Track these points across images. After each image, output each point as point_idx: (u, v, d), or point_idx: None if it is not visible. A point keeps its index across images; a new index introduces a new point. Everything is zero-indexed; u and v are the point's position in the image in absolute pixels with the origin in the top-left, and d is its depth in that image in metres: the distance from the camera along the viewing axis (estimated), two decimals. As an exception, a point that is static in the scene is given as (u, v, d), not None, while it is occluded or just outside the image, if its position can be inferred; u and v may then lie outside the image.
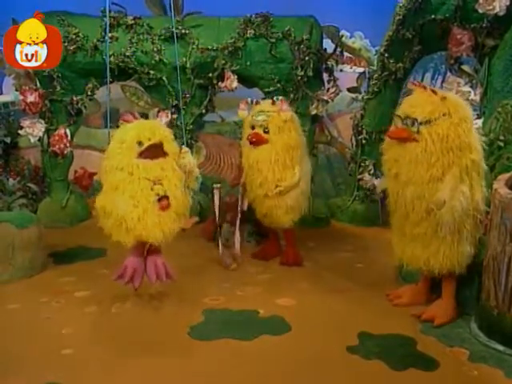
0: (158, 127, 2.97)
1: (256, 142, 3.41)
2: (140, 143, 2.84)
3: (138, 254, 2.98)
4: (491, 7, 3.50)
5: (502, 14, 3.51)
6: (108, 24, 4.22)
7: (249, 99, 3.62)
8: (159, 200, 2.82)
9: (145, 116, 3.84)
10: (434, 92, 2.59)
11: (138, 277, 2.97)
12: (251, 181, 3.53)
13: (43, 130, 4.42)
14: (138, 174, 2.80)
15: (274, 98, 3.51)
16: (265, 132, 3.41)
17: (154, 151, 2.86)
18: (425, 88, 2.62)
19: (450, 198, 2.49)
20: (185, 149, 3.10)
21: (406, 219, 2.69)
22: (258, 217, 3.64)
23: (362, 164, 4.47)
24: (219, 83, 4.41)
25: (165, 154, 2.90)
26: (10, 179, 4.40)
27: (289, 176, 3.42)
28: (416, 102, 2.61)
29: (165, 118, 4.41)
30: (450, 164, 2.53)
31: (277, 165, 3.40)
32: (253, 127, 3.45)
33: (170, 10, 4.33)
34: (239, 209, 3.70)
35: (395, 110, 2.79)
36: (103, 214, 2.89)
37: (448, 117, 2.53)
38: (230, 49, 4.34)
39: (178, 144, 3.13)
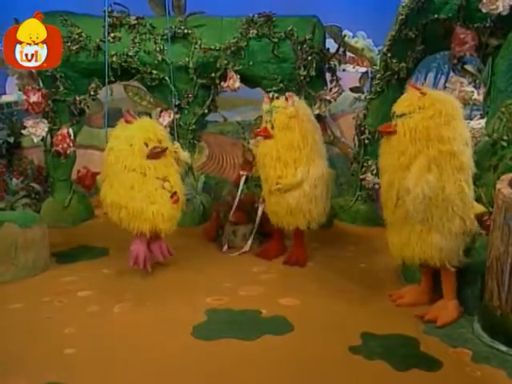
0: (157, 127, 3.35)
1: (261, 135, 3.47)
2: (146, 144, 3.20)
3: (144, 241, 3.34)
4: (494, 7, 3.49)
5: (505, 13, 3.50)
6: (107, 24, 4.23)
7: (271, 94, 3.65)
8: (172, 196, 3.26)
9: (148, 115, 3.86)
10: (417, 89, 2.74)
11: (147, 261, 3.37)
12: (261, 175, 3.59)
13: (46, 129, 4.43)
14: (150, 175, 3.19)
15: (286, 94, 3.50)
16: (272, 128, 3.43)
17: (160, 153, 3.23)
18: (415, 87, 2.79)
19: (413, 185, 2.59)
20: (176, 144, 3.48)
21: (386, 207, 2.84)
22: (268, 214, 3.64)
23: (365, 164, 4.46)
24: (222, 83, 4.41)
25: (164, 153, 3.26)
26: (13, 179, 4.41)
27: (290, 175, 3.40)
28: (400, 99, 2.82)
29: (167, 117, 4.44)
30: (416, 154, 2.65)
31: (278, 162, 3.40)
32: (266, 122, 3.49)
33: (169, 11, 4.34)
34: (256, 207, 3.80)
35: None
36: (115, 207, 3.20)
37: (422, 110, 2.67)
38: (233, 49, 4.34)
39: (182, 143, 3.40)
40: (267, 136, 3.44)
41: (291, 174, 3.40)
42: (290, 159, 3.40)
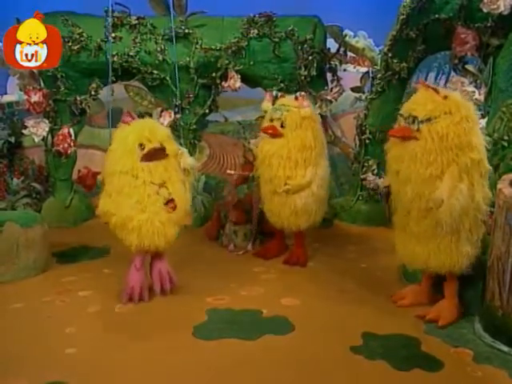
0: (157, 128, 2.99)
1: (271, 134, 3.37)
2: (141, 145, 2.86)
3: (141, 267, 3.02)
4: (495, 6, 3.49)
5: (506, 13, 3.50)
6: (110, 23, 4.23)
7: (274, 92, 3.60)
8: (166, 203, 2.88)
9: (148, 115, 3.85)
10: (436, 91, 2.59)
11: (145, 291, 3.05)
12: (261, 175, 3.50)
13: (47, 129, 4.43)
14: (142, 178, 2.83)
15: (297, 94, 3.44)
16: (282, 126, 3.36)
17: (156, 154, 2.87)
18: (428, 87, 2.62)
19: (448, 196, 2.49)
20: (181, 149, 3.10)
21: (407, 217, 2.69)
22: (266, 214, 3.59)
23: (366, 164, 4.46)
24: (222, 83, 4.41)
25: (166, 155, 2.91)
26: (14, 179, 4.41)
27: (299, 175, 3.35)
28: (418, 101, 2.62)
29: (168, 117, 4.43)
30: (448, 162, 2.53)
31: (288, 162, 3.33)
32: (272, 120, 3.41)
33: (170, 10, 4.34)
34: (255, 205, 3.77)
35: (399, 110, 2.79)
36: (108, 215, 2.92)
37: (449, 115, 2.53)
38: (234, 48, 4.34)
39: (181, 144, 3.18)
40: (276, 135, 3.36)
41: (301, 174, 3.35)
42: (301, 159, 3.34)
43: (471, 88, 3.72)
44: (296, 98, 3.41)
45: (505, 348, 2.51)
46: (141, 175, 2.83)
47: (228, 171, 4.22)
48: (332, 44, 4.58)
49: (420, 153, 2.55)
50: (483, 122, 3.56)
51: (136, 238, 2.86)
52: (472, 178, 2.57)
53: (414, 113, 2.58)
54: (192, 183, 3.13)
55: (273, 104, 3.49)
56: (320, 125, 3.54)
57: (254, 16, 4.36)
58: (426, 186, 2.55)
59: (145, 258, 3.05)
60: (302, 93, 3.47)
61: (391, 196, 2.81)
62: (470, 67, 3.83)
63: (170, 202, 2.88)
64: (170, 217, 2.89)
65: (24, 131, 4.48)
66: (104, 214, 2.93)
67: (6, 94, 5.33)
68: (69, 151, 4.45)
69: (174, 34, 4.30)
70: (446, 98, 2.56)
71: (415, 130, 2.56)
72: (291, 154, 3.33)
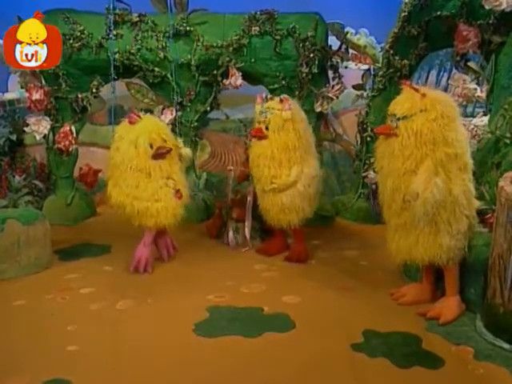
0: (160, 127, 3.42)
1: (256, 136, 3.49)
2: (150, 145, 3.28)
3: (149, 242, 3.46)
4: (498, 3, 3.47)
5: (508, 10, 3.49)
6: (112, 21, 4.23)
7: (264, 94, 3.66)
8: (176, 193, 3.38)
9: (150, 112, 3.88)
10: (416, 90, 2.68)
11: (150, 264, 3.45)
12: (254, 175, 3.62)
13: (48, 127, 4.44)
14: (154, 174, 3.29)
15: (281, 96, 3.50)
16: (266, 129, 3.45)
17: (164, 153, 3.32)
18: (411, 87, 2.72)
19: (422, 189, 2.57)
20: (178, 140, 3.56)
21: (389, 211, 2.81)
22: (261, 212, 3.66)
23: (367, 161, 4.45)
24: (224, 80, 4.41)
25: (170, 150, 3.34)
26: (16, 176, 4.41)
27: (284, 174, 3.44)
28: (399, 100, 2.75)
29: (169, 115, 4.44)
30: (422, 157, 2.62)
31: (272, 162, 3.44)
32: (259, 123, 3.51)
33: (171, 8, 4.34)
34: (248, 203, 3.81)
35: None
36: (121, 206, 3.32)
37: (424, 113, 2.63)
38: (235, 46, 4.33)
39: (184, 141, 3.58)
40: (261, 137, 3.47)
41: (285, 173, 3.45)
42: (285, 159, 3.44)
43: (473, 85, 3.71)
44: (280, 101, 3.46)
45: (506, 346, 2.51)
46: (153, 173, 3.29)
47: (228, 167, 4.26)
48: (334, 41, 4.57)
49: (397, 149, 2.68)
50: (485, 119, 3.56)
51: (154, 222, 3.34)
52: (449, 172, 2.64)
53: (395, 111, 2.72)
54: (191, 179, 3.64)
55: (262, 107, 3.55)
56: (306, 125, 3.57)
57: (256, 13, 4.35)
58: (402, 179, 2.67)
59: (153, 237, 3.47)
60: (286, 95, 3.52)
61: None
62: (472, 64, 3.83)
63: (177, 191, 3.38)
64: (178, 202, 3.42)
65: (25, 129, 4.48)
66: (117, 204, 3.32)
67: (7, 91, 5.33)
68: (70, 149, 4.45)
69: (172, 31, 4.29)
70: (424, 96, 2.65)
71: (394, 127, 2.69)
72: (275, 154, 3.43)
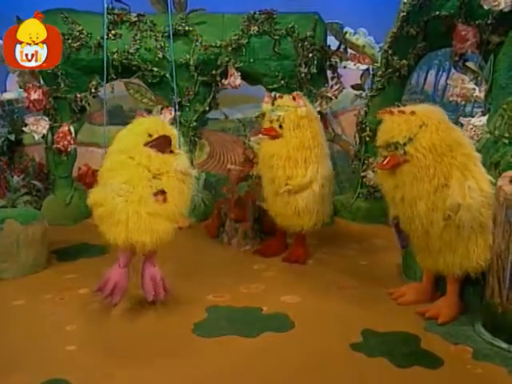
0: (167, 126, 2.96)
1: (270, 135, 3.37)
2: (150, 135, 2.77)
3: (124, 263, 2.78)
4: (496, 3, 3.48)
5: (507, 10, 3.49)
6: (106, 22, 4.22)
7: (272, 93, 3.59)
8: (155, 194, 2.66)
9: (149, 112, 3.86)
10: (402, 112, 2.64)
11: (118, 291, 2.76)
12: (263, 176, 3.50)
13: (47, 127, 4.43)
14: (139, 160, 2.67)
15: (294, 93, 3.43)
16: (280, 127, 3.36)
17: (162, 144, 2.77)
18: (392, 112, 2.67)
19: (462, 198, 2.52)
20: (179, 152, 2.93)
21: (427, 236, 2.69)
22: (271, 215, 3.57)
23: (366, 161, 4.46)
24: (223, 80, 4.41)
25: (169, 149, 2.82)
26: (15, 176, 4.41)
27: (300, 175, 3.34)
28: (390, 127, 2.67)
29: (168, 115, 4.43)
30: (448, 168, 2.58)
31: (288, 162, 3.33)
32: (271, 122, 3.41)
33: (170, 8, 4.33)
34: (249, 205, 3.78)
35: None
36: (95, 205, 2.72)
37: (425, 127, 2.58)
38: (234, 46, 4.34)
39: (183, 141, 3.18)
40: (275, 136, 3.36)
41: (301, 174, 3.34)
42: (301, 159, 3.33)
43: (472, 85, 3.71)
44: (293, 98, 3.40)
45: (504, 345, 2.52)
46: (138, 157, 2.67)
47: (229, 166, 4.22)
48: (332, 41, 4.58)
49: (417, 172, 2.59)
50: (484, 119, 3.57)
51: (124, 236, 2.61)
52: (472, 171, 2.62)
53: (393, 140, 2.63)
54: (192, 187, 2.93)
55: (272, 105, 3.48)
56: (319, 123, 3.53)
57: (255, 13, 4.36)
58: (437, 197, 2.58)
59: (130, 258, 2.80)
60: (299, 92, 3.47)
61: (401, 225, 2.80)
62: (470, 64, 3.83)
63: (160, 193, 2.66)
64: (158, 209, 2.65)
65: (24, 129, 4.48)
66: (93, 204, 2.73)
67: (5, 91, 5.33)
68: (69, 149, 4.45)
69: (171, 31, 4.29)
70: (413, 113, 2.61)
71: (402, 154, 2.60)
72: (291, 153, 3.33)
